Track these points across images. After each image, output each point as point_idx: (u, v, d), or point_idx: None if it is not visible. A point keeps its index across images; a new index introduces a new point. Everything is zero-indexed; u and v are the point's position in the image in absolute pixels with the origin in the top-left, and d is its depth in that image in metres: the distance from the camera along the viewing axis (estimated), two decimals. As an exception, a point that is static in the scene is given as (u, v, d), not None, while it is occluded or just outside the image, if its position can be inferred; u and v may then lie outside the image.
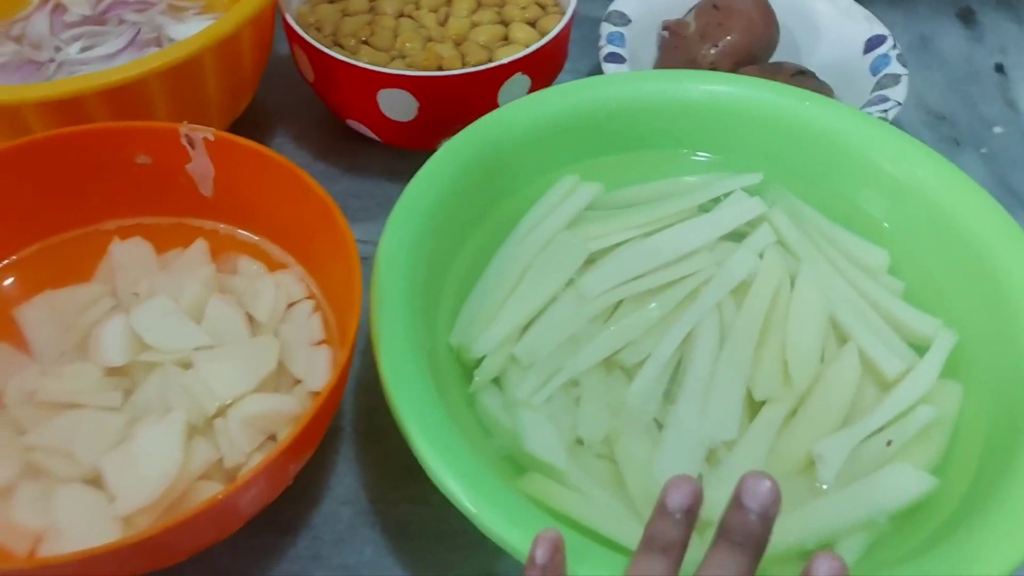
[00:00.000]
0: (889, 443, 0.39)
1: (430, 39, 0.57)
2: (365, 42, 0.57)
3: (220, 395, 0.40)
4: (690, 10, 0.63)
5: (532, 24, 0.59)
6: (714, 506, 0.37)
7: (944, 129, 0.65)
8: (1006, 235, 0.44)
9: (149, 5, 0.62)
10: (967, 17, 0.76)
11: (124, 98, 0.46)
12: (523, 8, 0.60)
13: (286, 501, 0.40)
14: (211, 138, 0.44)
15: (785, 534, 0.36)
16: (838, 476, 0.38)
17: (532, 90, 0.55)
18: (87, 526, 0.37)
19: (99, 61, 0.58)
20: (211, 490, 0.38)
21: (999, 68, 0.71)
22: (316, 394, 0.42)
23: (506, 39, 0.58)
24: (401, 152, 0.59)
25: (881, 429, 0.40)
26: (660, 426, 0.40)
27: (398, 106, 0.53)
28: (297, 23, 0.54)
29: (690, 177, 0.51)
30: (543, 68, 0.55)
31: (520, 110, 0.49)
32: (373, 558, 0.41)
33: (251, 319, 0.44)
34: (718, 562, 0.29)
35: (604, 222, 0.48)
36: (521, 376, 0.42)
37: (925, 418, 0.40)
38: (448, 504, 0.43)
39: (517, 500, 0.34)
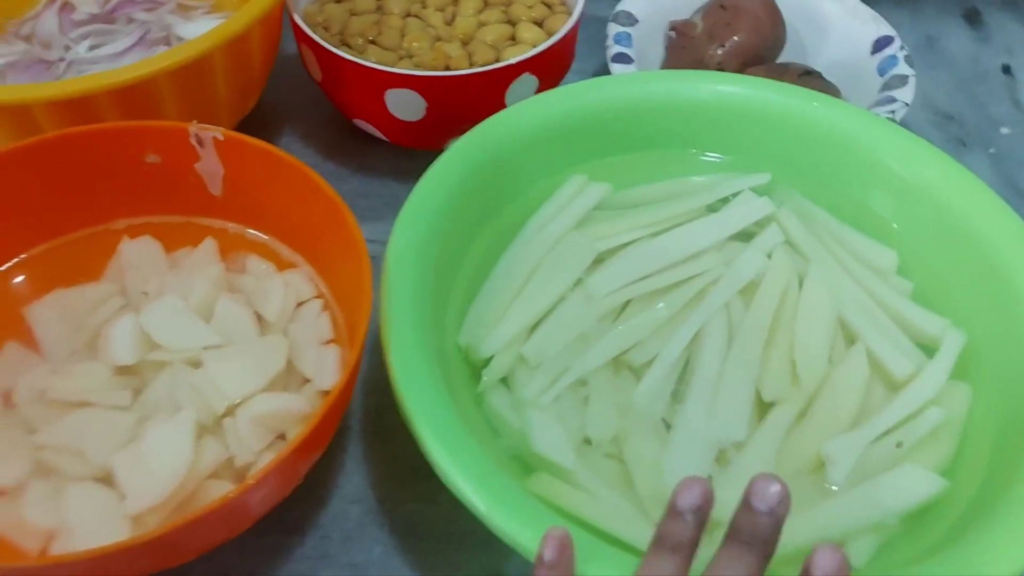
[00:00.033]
0: (899, 444, 0.39)
1: (437, 39, 0.57)
2: (372, 41, 0.57)
3: (229, 394, 0.40)
4: (697, 10, 0.63)
5: (539, 24, 0.59)
6: (724, 507, 0.37)
7: (951, 129, 0.65)
8: (1014, 235, 0.44)
9: (158, 4, 0.62)
10: (973, 18, 0.76)
11: (134, 97, 0.46)
12: (530, 7, 0.60)
13: (294, 500, 0.40)
14: (220, 137, 0.44)
15: (795, 534, 0.36)
16: (847, 477, 0.38)
17: (539, 90, 0.55)
18: (97, 525, 0.37)
19: (108, 60, 0.58)
20: (221, 489, 0.38)
21: (1006, 69, 0.71)
22: (325, 393, 0.42)
23: (513, 39, 0.58)
24: (408, 152, 0.59)
25: (890, 430, 0.40)
26: (668, 426, 0.40)
27: (406, 106, 0.53)
28: (305, 23, 0.54)
29: (698, 177, 0.51)
30: (551, 68, 0.55)
31: (528, 110, 0.49)
32: (381, 558, 0.42)
33: (260, 318, 0.44)
34: (727, 562, 0.29)
35: (612, 222, 0.48)
36: (529, 376, 0.42)
37: (934, 420, 0.40)
38: (456, 504, 0.43)
39: (527, 500, 0.34)
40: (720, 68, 0.59)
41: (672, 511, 0.30)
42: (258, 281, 0.46)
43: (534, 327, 0.44)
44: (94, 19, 0.61)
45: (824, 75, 0.58)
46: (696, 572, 0.30)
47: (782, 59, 0.63)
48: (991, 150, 0.64)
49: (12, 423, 0.41)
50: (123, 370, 0.42)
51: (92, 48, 0.59)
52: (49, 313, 0.45)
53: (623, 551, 0.34)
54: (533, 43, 0.56)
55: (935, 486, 0.38)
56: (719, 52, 0.59)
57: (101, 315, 0.44)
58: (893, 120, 0.54)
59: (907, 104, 0.55)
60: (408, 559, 0.42)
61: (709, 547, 0.31)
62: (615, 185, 0.50)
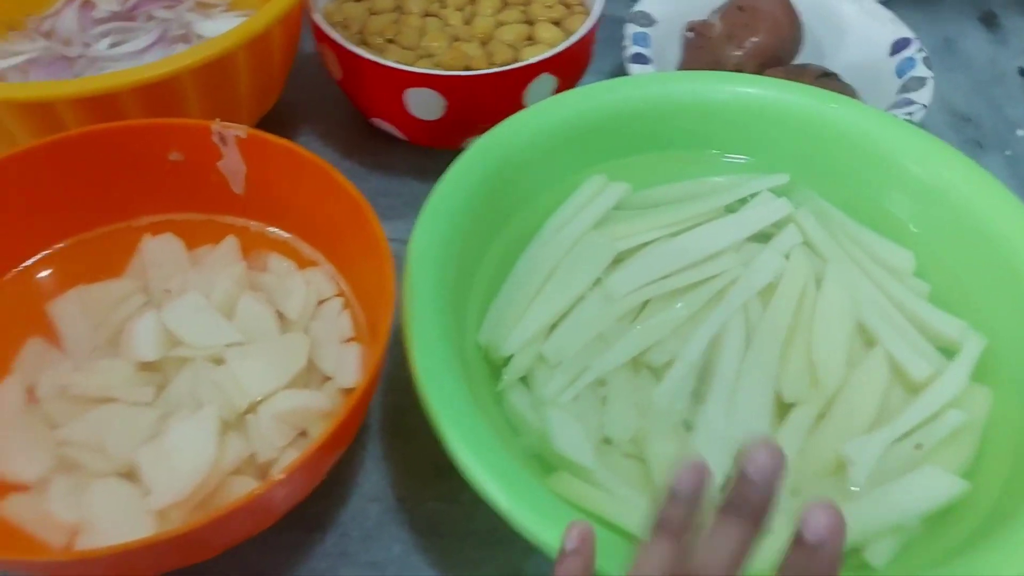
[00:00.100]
0: (918, 447, 0.39)
1: (456, 38, 0.57)
2: (391, 41, 0.57)
3: (252, 391, 0.40)
4: (714, 11, 0.63)
5: (557, 23, 0.59)
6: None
7: (968, 131, 0.65)
8: (1034, 238, 0.44)
9: (177, 2, 0.62)
10: (990, 21, 0.76)
11: (157, 95, 0.47)
12: (548, 7, 0.60)
13: (314, 498, 0.40)
14: (243, 136, 0.45)
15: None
16: (868, 479, 0.38)
17: (558, 90, 0.55)
18: (121, 520, 0.37)
19: (128, 57, 0.59)
20: (244, 485, 0.39)
21: (1023, 72, 0.71)
22: (346, 391, 0.42)
23: (531, 38, 0.58)
24: (426, 150, 0.59)
25: (910, 432, 0.40)
26: (688, 426, 0.41)
27: (425, 105, 0.53)
28: (324, 22, 0.55)
29: (716, 178, 0.51)
30: (569, 68, 0.55)
31: (548, 110, 0.49)
32: (401, 556, 0.42)
33: (281, 316, 0.45)
34: (719, 538, 0.28)
35: (631, 222, 0.48)
36: (549, 375, 0.42)
37: (955, 422, 0.40)
38: (476, 502, 0.43)
39: (549, 498, 0.34)
40: (738, 69, 0.59)
41: (670, 495, 0.29)
42: (279, 279, 0.46)
43: (553, 326, 0.44)
44: (114, 17, 0.61)
45: (841, 77, 0.58)
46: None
47: (799, 61, 0.63)
48: (1007, 152, 0.64)
49: (35, 418, 0.41)
50: (145, 366, 0.42)
51: (112, 46, 0.59)
52: (72, 309, 0.45)
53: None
54: (551, 43, 0.57)
55: (956, 488, 0.38)
56: (737, 53, 0.59)
57: (123, 312, 0.44)
58: (911, 122, 0.54)
59: (925, 106, 0.56)
60: (428, 557, 0.42)
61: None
62: (634, 185, 0.50)
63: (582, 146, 0.50)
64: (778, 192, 0.49)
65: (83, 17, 0.61)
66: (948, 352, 0.44)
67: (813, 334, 0.43)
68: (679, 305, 0.44)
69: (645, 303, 0.45)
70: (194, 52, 0.46)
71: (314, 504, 0.42)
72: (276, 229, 0.48)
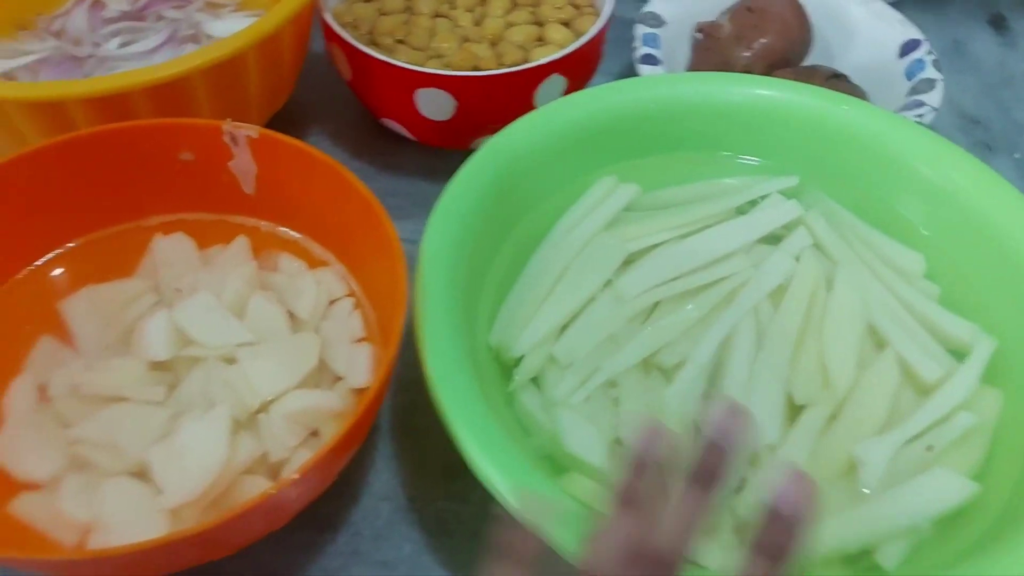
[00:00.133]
0: (929, 448, 0.39)
1: (466, 39, 0.57)
2: (401, 41, 0.57)
3: (263, 391, 0.40)
4: (723, 12, 0.63)
5: (566, 24, 0.59)
6: (750, 509, 0.37)
7: (977, 134, 0.65)
8: (1045, 241, 0.44)
9: (187, 2, 0.62)
10: (998, 23, 0.76)
11: (168, 95, 0.47)
12: (558, 8, 0.60)
13: (326, 497, 0.40)
14: (254, 136, 0.45)
15: (828, 538, 0.36)
16: (879, 481, 0.38)
17: (568, 91, 0.55)
18: (134, 519, 0.37)
19: (138, 57, 0.59)
20: (255, 485, 0.39)
21: (1032, 74, 0.71)
22: (357, 391, 0.42)
23: (541, 39, 0.58)
24: (434, 151, 0.59)
25: (920, 434, 0.40)
26: (699, 428, 0.40)
27: (435, 105, 0.53)
28: (335, 22, 0.55)
29: (726, 179, 0.51)
30: (580, 69, 0.55)
31: (560, 111, 0.49)
32: (412, 555, 0.42)
33: (292, 316, 0.45)
34: (683, 507, 0.27)
35: (641, 223, 0.48)
36: (560, 376, 0.42)
37: (965, 424, 0.40)
38: (486, 502, 0.43)
39: (562, 498, 0.35)
40: (747, 70, 0.59)
41: (629, 463, 0.28)
42: (290, 279, 0.46)
43: (564, 327, 0.44)
44: (124, 16, 0.61)
45: (851, 79, 0.58)
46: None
47: (808, 62, 0.63)
48: (1016, 155, 0.64)
49: (47, 417, 0.41)
50: (157, 366, 0.42)
51: (122, 45, 0.59)
52: (83, 308, 0.45)
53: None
54: (561, 44, 0.57)
55: (966, 490, 0.38)
56: (746, 55, 0.59)
57: (134, 311, 0.45)
58: (921, 124, 0.54)
59: (935, 108, 0.55)
60: (438, 557, 0.42)
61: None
62: (644, 187, 0.50)
63: (593, 147, 0.50)
64: (788, 194, 0.49)
65: (93, 17, 0.61)
66: (958, 354, 0.44)
67: (824, 336, 0.43)
68: (689, 307, 0.44)
69: (655, 305, 0.45)
70: (205, 52, 0.47)
71: (326, 503, 0.42)
72: (287, 229, 0.48)
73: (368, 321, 0.45)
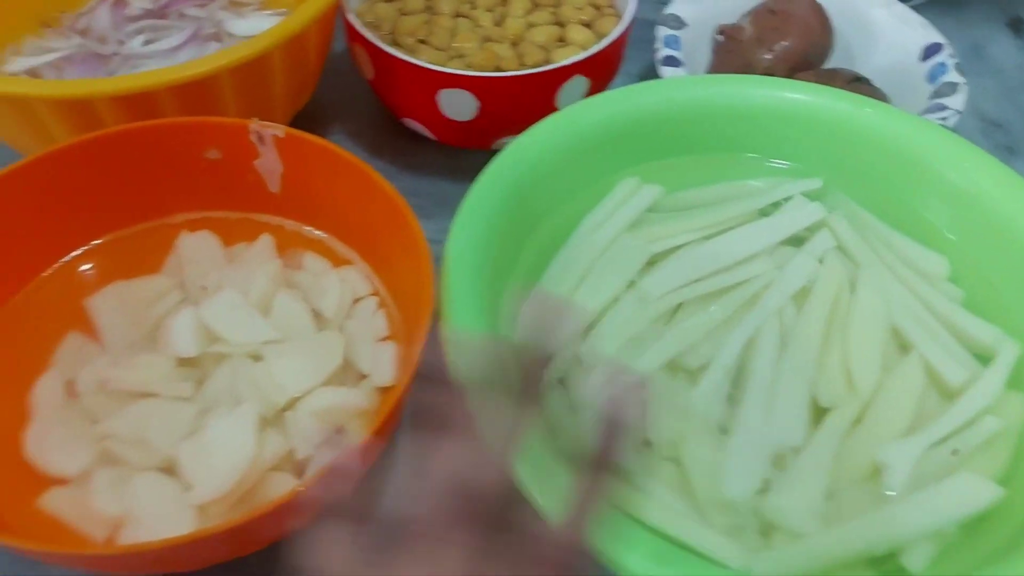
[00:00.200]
0: (955, 452, 0.39)
1: (487, 39, 0.58)
2: (423, 41, 0.57)
3: (289, 388, 0.41)
4: (745, 15, 0.63)
5: (587, 25, 0.59)
6: (782, 512, 0.37)
7: (998, 137, 0.65)
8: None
9: (209, 0, 0.63)
10: (1018, 27, 0.75)
11: (194, 93, 0.47)
12: (579, 9, 0.60)
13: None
14: (281, 135, 0.45)
15: (853, 541, 0.36)
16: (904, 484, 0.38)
17: (590, 92, 0.55)
18: (163, 514, 0.38)
19: (161, 55, 0.59)
20: (282, 481, 0.39)
21: (1052, 78, 0.71)
22: (382, 389, 0.43)
23: (562, 40, 0.59)
24: (454, 150, 0.59)
25: (946, 438, 0.40)
26: (723, 430, 0.41)
27: (458, 106, 0.53)
28: (358, 21, 0.55)
29: (749, 181, 0.51)
30: (602, 70, 0.55)
31: (583, 112, 0.49)
32: (436, 553, 0.42)
33: (316, 314, 0.45)
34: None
35: (665, 224, 0.48)
36: (585, 377, 0.42)
37: (990, 428, 0.40)
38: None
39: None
40: (769, 73, 0.59)
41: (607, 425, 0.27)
42: (314, 277, 0.46)
43: (588, 328, 0.44)
44: (147, 14, 0.62)
45: (872, 82, 0.58)
46: None
47: (829, 65, 0.63)
48: (1037, 158, 0.64)
49: (75, 413, 0.41)
50: (184, 362, 0.43)
51: (146, 43, 0.60)
52: (109, 305, 0.45)
53: (684, 551, 0.34)
54: (583, 45, 0.57)
55: (992, 494, 0.38)
56: (768, 57, 0.59)
57: (161, 308, 0.45)
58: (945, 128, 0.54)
59: (959, 112, 0.55)
60: (462, 555, 0.42)
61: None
62: (667, 188, 0.50)
63: (616, 149, 0.50)
64: (812, 196, 0.49)
65: (116, 15, 0.61)
66: (982, 358, 0.44)
67: (848, 338, 0.43)
68: (713, 308, 0.44)
69: (678, 306, 0.45)
70: (232, 52, 0.47)
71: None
72: (311, 228, 0.49)
73: (392, 320, 0.45)
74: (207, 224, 0.48)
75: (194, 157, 0.46)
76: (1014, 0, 0.77)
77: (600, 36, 0.58)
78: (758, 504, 0.38)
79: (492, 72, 0.53)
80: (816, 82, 0.52)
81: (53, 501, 0.38)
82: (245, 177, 0.47)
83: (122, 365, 0.42)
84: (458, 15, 0.59)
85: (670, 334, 0.43)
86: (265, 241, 0.47)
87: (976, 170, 0.48)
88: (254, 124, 0.45)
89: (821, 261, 0.46)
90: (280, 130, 0.45)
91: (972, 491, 0.38)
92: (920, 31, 0.62)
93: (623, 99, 0.50)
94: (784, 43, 0.60)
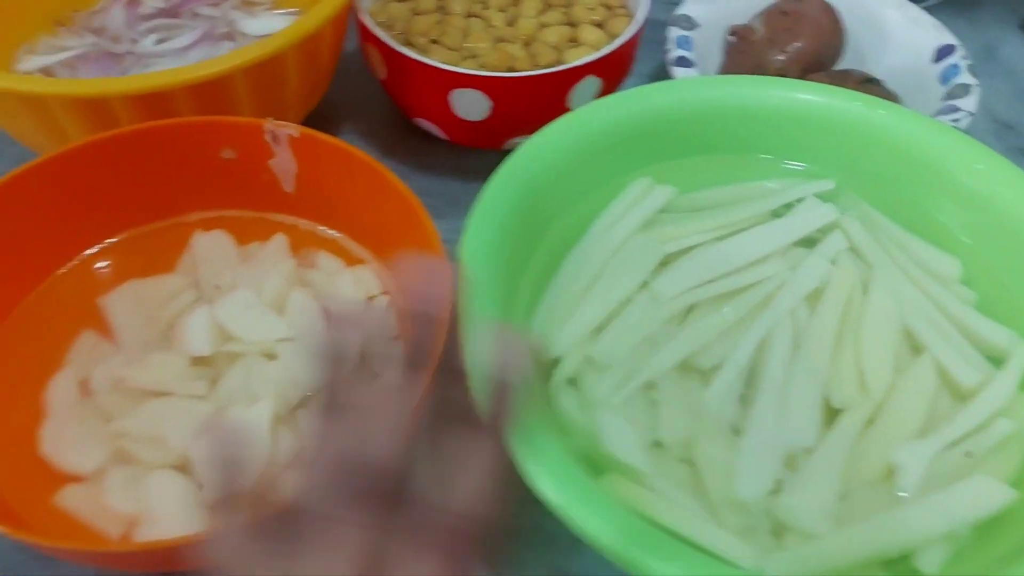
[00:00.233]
0: (968, 454, 0.39)
1: (500, 39, 0.58)
2: (435, 41, 0.58)
3: (304, 386, 0.41)
4: (756, 15, 0.63)
5: (599, 26, 0.59)
6: (791, 512, 0.37)
7: (1010, 139, 0.65)
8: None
9: (221, 0, 0.63)
10: (1030, 27, 0.75)
11: (209, 93, 0.47)
12: (591, 9, 0.60)
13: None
14: (296, 135, 0.45)
15: (866, 542, 0.36)
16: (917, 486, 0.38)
17: (602, 92, 0.55)
18: (178, 512, 0.38)
19: (174, 54, 0.59)
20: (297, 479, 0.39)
21: (1064, 79, 0.71)
22: (396, 389, 0.43)
23: (574, 40, 0.59)
24: (464, 150, 0.59)
25: (958, 440, 0.40)
26: (736, 431, 0.41)
27: (471, 106, 0.53)
28: (372, 21, 0.55)
29: (763, 182, 0.51)
30: (614, 70, 0.56)
31: (596, 113, 0.49)
32: (449, 552, 0.42)
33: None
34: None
35: (677, 225, 0.48)
36: (598, 377, 0.42)
37: (1004, 431, 0.40)
38: (521, 501, 0.43)
39: (604, 496, 0.35)
40: (781, 74, 0.59)
41: (325, 360, 0.26)
42: (328, 276, 0.46)
43: (602, 328, 0.44)
44: (160, 13, 0.62)
45: (884, 83, 0.58)
46: None
47: (841, 66, 0.63)
48: (1049, 161, 0.64)
49: (90, 411, 0.42)
50: (198, 361, 0.43)
51: (158, 42, 0.60)
52: (124, 303, 0.46)
53: (699, 552, 0.34)
54: (595, 45, 0.57)
55: (1005, 497, 0.38)
56: (780, 58, 0.59)
57: (175, 307, 0.45)
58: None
59: (971, 113, 0.55)
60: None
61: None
62: (680, 188, 0.50)
63: (628, 149, 0.50)
64: (824, 198, 0.49)
65: (130, 14, 0.61)
66: (995, 361, 0.44)
67: (860, 340, 0.43)
68: (726, 309, 0.44)
69: (691, 307, 0.45)
70: (247, 51, 0.47)
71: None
72: (325, 227, 0.49)
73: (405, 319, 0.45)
74: (221, 223, 0.48)
75: (209, 156, 0.46)
76: (1026, 1, 0.77)
77: (612, 36, 0.58)
78: (770, 505, 0.38)
79: (505, 72, 0.53)
80: (828, 83, 0.52)
81: (68, 498, 0.39)
82: (259, 176, 0.47)
83: (136, 364, 0.42)
84: (470, 15, 0.60)
85: (683, 334, 0.43)
86: (279, 240, 0.48)
87: (989, 172, 0.48)
88: (269, 124, 0.45)
89: (834, 262, 0.46)
90: (295, 130, 0.45)
91: (985, 493, 0.38)
92: (932, 32, 0.62)
93: (637, 100, 0.50)
94: (796, 44, 0.60)
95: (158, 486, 0.38)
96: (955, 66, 0.59)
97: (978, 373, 0.42)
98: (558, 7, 0.60)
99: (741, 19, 0.63)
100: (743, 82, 0.51)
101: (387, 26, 0.58)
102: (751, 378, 0.42)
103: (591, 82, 0.54)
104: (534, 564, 0.42)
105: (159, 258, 0.47)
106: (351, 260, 0.48)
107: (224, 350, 0.43)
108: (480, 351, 0.26)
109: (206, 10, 0.62)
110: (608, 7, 0.61)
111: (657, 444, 0.40)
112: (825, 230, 0.48)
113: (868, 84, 0.57)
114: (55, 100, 0.46)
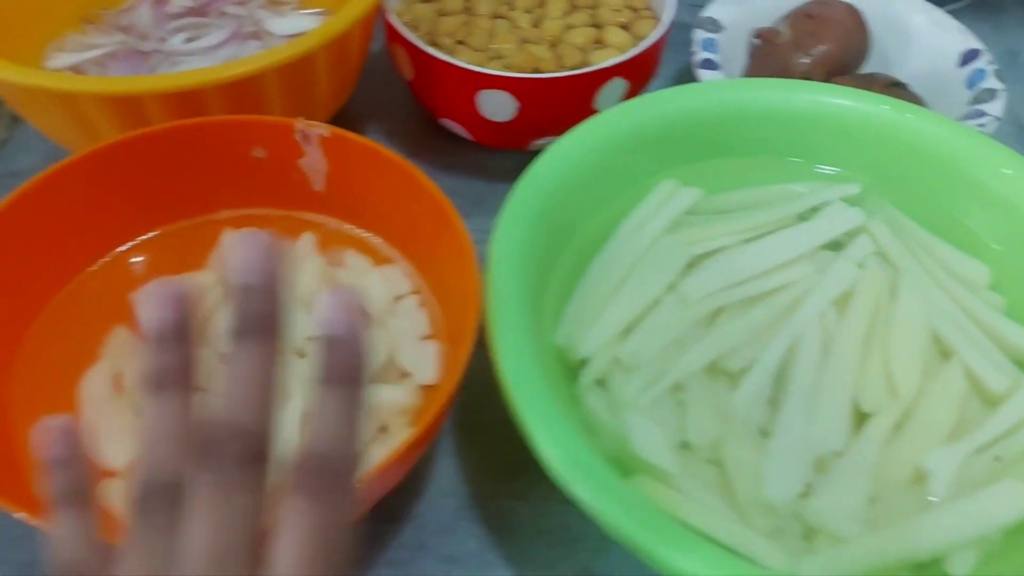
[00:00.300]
0: (998, 459, 0.39)
1: (525, 40, 0.58)
2: (461, 42, 0.58)
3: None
4: (781, 18, 0.63)
5: (625, 28, 0.59)
6: (821, 514, 0.38)
7: (1035, 144, 0.65)
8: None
9: (249, -1, 0.63)
10: (1054, 31, 0.75)
11: (240, 92, 0.48)
12: (616, 11, 0.60)
13: (391, 491, 0.41)
14: (326, 135, 0.45)
15: (896, 546, 0.36)
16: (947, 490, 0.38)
17: (629, 94, 0.55)
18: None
19: (202, 53, 0.60)
20: (327, 477, 0.39)
21: (1088, 84, 0.70)
22: (425, 387, 0.43)
23: (599, 42, 0.59)
24: (487, 150, 0.60)
25: (988, 445, 0.40)
26: (764, 433, 0.41)
27: (497, 107, 0.53)
28: (399, 22, 0.55)
29: (788, 185, 0.51)
30: (641, 72, 0.56)
31: (625, 115, 0.49)
32: (477, 552, 0.42)
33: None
34: (323, 411, 0.25)
35: (704, 227, 0.48)
36: (626, 378, 0.42)
37: (1033, 436, 0.40)
38: (545, 501, 0.44)
39: (635, 496, 0.35)
40: (806, 77, 0.59)
41: (147, 340, 0.25)
42: (356, 275, 0.47)
43: (629, 329, 0.44)
44: (188, 12, 0.62)
45: (910, 87, 0.58)
46: None
47: (865, 70, 0.63)
48: (1073, 166, 0.64)
49: (122, 407, 0.42)
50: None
51: (187, 41, 0.60)
52: (155, 300, 0.46)
53: (730, 553, 0.35)
54: (620, 47, 0.57)
55: (1035, 502, 0.38)
56: (805, 61, 0.60)
57: (205, 303, 0.45)
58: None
59: (998, 118, 0.55)
60: (502, 554, 0.42)
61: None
62: (706, 190, 0.50)
63: (656, 151, 0.50)
64: (852, 201, 0.49)
65: (158, 12, 0.62)
66: (1023, 366, 0.44)
67: (889, 344, 0.43)
68: (754, 311, 0.45)
69: (719, 309, 0.45)
70: (279, 51, 0.47)
71: (390, 496, 0.43)
72: (353, 226, 0.49)
73: (435, 318, 0.45)
74: (250, 221, 0.48)
75: (240, 155, 0.47)
76: (1050, 6, 0.77)
77: (637, 38, 0.58)
78: (800, 508, 0.38)
79: (531, 73, 0.53)
80: (854, 87, 0.52)
81: (102, 493, 0.39)
82: (289, 175, 0.47)
83: (168, 360, 0.43)
84: (496, 16, 0.60)
85: (711, 337, 0.43)
86: (307, 239, 0.48)
87: (1017, 177, 0.48)
88: (300, 124, 0.45)
89: (861, 266, 0.46)
90: (326, 130, 0.45)
91: (1015, 497, 0.38)
92: (957, 37, 0.62)
93: (665, 102, 0.50)
94: (822, 47, 0.60)
95: (191, 482, 0.39)
96: (981, 70, 0.59)
97: (1007, 378, 0.42)
98: (583, 9, 0.60)
99: (766, 22, 0.64)
100: (771, 85, 0.51)
101: (413, 27, 0.58)
102: (779, 381, 0.42)
103: (618, 84, 0.54)
104: (561, 564, 0.42)
105: (190, 255, 0.47)
106: (379, 259, 0.48)
107: (255, 347, 0.43)
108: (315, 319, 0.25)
109: (233, 9, 0.63)
110: (634, 9, 0.61)
111: (685, 446, 0.41)
112: (852, 234, 0.48)
113: (894, 88, 0.57)
114: (87, 98, 0.47)
